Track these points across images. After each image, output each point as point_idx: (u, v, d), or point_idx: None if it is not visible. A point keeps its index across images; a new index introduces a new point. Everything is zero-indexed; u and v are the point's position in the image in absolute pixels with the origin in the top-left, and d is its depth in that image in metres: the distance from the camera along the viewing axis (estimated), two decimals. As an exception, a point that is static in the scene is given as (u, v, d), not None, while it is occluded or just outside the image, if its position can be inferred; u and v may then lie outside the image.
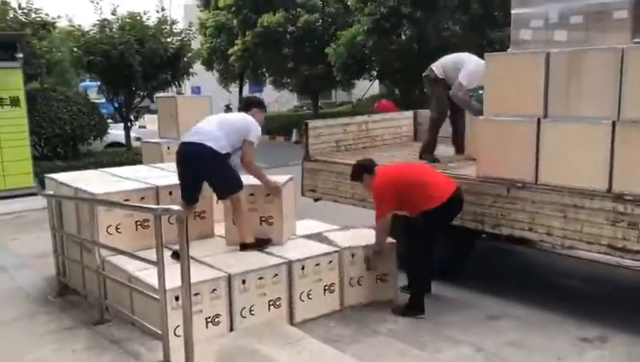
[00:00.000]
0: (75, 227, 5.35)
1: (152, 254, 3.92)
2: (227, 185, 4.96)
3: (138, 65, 13.02)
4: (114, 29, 13.66)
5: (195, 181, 4.99)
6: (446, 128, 6.78)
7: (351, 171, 5.40)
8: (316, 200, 6.87)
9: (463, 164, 6.12)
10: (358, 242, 5.28)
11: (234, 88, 27.83)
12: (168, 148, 8.00)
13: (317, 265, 4.90)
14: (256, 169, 5.10)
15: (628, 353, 4.35)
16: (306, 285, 4.84)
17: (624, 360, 4.31)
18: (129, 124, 14.49)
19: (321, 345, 4.27)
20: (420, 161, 6.44)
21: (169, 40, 14.19)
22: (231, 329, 4.49)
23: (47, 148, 12.42)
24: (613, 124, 4.45)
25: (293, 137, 18.33)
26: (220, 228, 5.51)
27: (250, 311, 4.56)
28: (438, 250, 5.27)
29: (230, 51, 23.46)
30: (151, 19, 14.25)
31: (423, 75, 6.83)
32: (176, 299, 3.99)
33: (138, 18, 13.84)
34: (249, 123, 5.07)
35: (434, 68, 6.64)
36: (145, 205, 4.85)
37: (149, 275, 4.21)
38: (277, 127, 21.14)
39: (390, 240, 5.18)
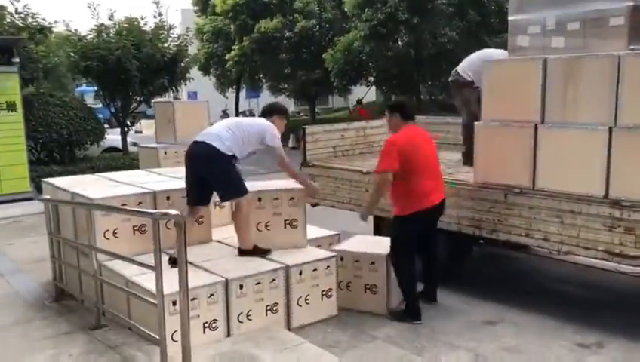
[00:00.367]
0: (72, 232, 5.33)
1: (149, 259, 3.92)
2: (229, 187, 4.88)
3: (135, 71, 13.02)
4: (111, 34, 13.68)
5: (199, 181, 4.88)
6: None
7: (393, 101, 5.58)
8: (314, 205, 6.86)
9: (460, 169, 6.13)
10: (355, 248, 5.29)
11: (231, 93, 27.89)
12: (165, 153, 7.95)
13: (314, 270, 4.89)
14: (293, 169, 5.26)
15: (625, 358, 4.35)
16: (304, 290, 4.83)
17: (621, 365, 4.31)
18: (126, 128, 14.48)
19: (318, 351, 4.26)
20: (465, 166, 6.10)
21: (166, 45, 14.21)
22: (228, 335, 4.47)
23: (43, 153, 12.41)
24: (610, 130, 4.47)
25: (290, 142, 18.32)
26: (217, 233, 5.51)
27: (248, 316, 4.55)
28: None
29: (227, 57, 23.54)
30: (148, 25, 14.30)
31: (449, 80, 6.56)
32: (174, 303, 3.98)
33: (135, 23, 13.85)
34: (263, 127, 4.98)
35: (460, 71, 6.39)
36: (143, 210, 4.83)
37: (146, 280, 4.21)
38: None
39: (381, 253, 5.12)
